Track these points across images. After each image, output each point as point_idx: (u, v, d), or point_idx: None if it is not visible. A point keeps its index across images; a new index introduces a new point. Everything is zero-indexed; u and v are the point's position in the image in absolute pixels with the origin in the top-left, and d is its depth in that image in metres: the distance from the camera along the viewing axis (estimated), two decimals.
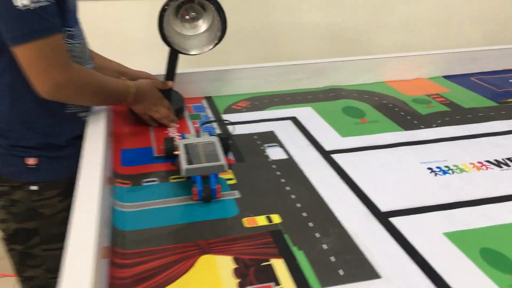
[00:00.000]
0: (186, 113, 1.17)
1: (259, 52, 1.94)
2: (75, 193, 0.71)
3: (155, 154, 0.96)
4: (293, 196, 0.81)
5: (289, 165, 0.91)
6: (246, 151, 0.97)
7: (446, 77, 1.41)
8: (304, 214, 0.76)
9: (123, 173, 0.89)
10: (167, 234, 0.72)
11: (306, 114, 1.16)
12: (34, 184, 0.93)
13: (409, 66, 1.39)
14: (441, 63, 1.42)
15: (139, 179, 0.87)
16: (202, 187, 0.79)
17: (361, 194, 0.81)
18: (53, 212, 0.96)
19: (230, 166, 0.91)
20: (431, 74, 1.41)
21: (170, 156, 0.93)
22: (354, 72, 1.36)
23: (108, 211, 0.76)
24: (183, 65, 1.24)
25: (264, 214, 0.76)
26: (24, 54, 0.79)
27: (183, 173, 0.80)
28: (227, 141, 0.94)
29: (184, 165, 0.80)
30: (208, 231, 0.72)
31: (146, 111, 1.05)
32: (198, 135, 0.93)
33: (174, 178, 0.87)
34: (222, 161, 0.81)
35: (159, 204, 0.79)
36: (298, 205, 0.79)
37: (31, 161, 0.92)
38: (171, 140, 0.93)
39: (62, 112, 0.94)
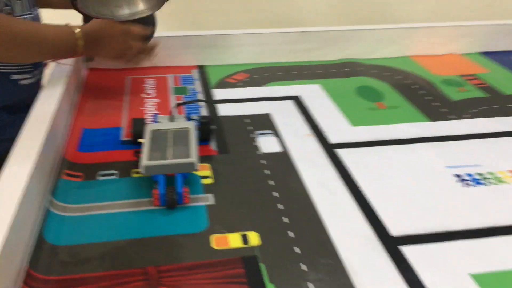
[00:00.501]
0: (171, 85, 0.99)
1: (263, 15, 1.69)
2: None
3: (122, 138, 0.80)
4: (280, 207, 0.64)
5: (282, 161, 0.74)
6: (232, 139, 0.80)
7: (485, 53, 1.20)
8: (291, 234, 0.59)
9: (77, 161, 0.72)
10: (108, 253, 0.55)
11: (313, 93, 0.97)
12: None
13: (440, 38, 1.18)
14: (480, 36, 1.20)
15: (94, 170, 0.70)
16: (165, 190, 0.62)
17: (366, 208, 0.64)
18: None
19: (210, 159, 0.74)
20: (466, 49, 1.20)
21: (137, 142, 0.76)
22: (374, 43, 1.15)
23: (37, 215, 0.59)
24: (174, 27, 1.06)
25: (239, 231, 0.59)
26: None
27: (142, 171, 0.63)
28: (209, 127, 0.77)
29: (144, 160, 0.63)
30: (163, 252, 0.56)
31: (113, 55, 0.86)
32: (172, 118, 0.75)
33: (138, 173, 0.70)
34: (193, 157, 0.64)
35: (110, 208, 0.63)
36: (285, 219, 0.61)
37: None
38: (141, 122, 0.76)
39: None
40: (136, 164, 0.71)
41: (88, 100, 0.92)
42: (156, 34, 1.06)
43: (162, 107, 0.90)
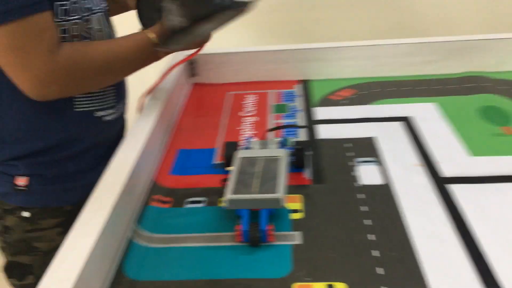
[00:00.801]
0: (271, 102, 0.95)
1: (375, 23, 1.57)
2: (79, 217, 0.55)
3: (215, 161, 0.77)
4: (375, 253, 0.56)
5: (383, 197, 0.65)
6: (330, 166, 0.73)
7: None
8: None
9: (167, 185, 0.71)
10: None
11: (427, 113, 0.86)
12: (25, 210, 0.74)
13: None
14: None
15: (183, 196, 0.68)
16: (249, 227, 0.58)
17: (482, 265, 0.53)
18: (50, 248, 0.75)
19: (302, 189, 0.68)
20: None
21: (228, 166, 0.73)
22: (506, 54, 1.00)
23: (119, 245, 0.58)
24: (275, 40, 1.02)
25: (325, 280, 0.53)
26: None
27: (225, 205, 0.59)
28: (303, 153, 0.71)
29: (228, 193, 0.59)
30: None
31: (191, 48, 0.82)
32: (264, 143, 0.71)
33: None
34: (279, 193, 0.58)
35: (194, 242, 0.60)
36: (380, 271, 0.53)
37: (20, 180, 0.74)
38: (233, 146, 0.73)
39: (66, 113, 0.73)
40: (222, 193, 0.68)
41: (188, 118, 0.91)
42: (259, 48, 1.03)
43: (260, 126, 0.86)
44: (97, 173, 0.62)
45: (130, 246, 0.59)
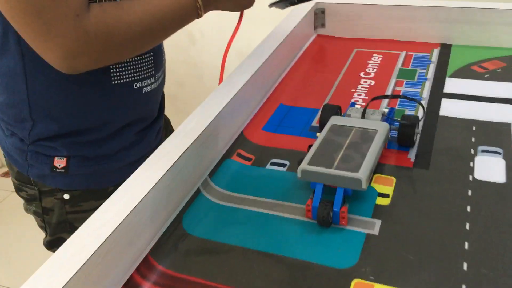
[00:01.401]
0: (399, 65, 0.84)
1: None
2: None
3: (314, 123, 0.70)
4: (465, 267, 0.45)
5: (499, 199, 0.53)
6: (442, 150, 0.61)
7: None
8: None
9: (255, 141, 0.67)
10: (235, 264, 0.48)
11: None
12: (65, 192, 0.69)
13: None
14: None
15: (267, 156, 0.64)
16: (320, 204, 0.51)
17: None
18: None
19: (399, 171, 0.58)
20: None
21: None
22: None
23: (183, 194, 0.56)
24: None
25: (390, 285, 0.44)
26: (4, 8, 0.52)
27: (298, 174, 0.53)
28: (411, 130, 0.60)
29: (304, 162, 0.53)
30: (290, 281, 0.46)
31: (237, 10, 0.70)
32: (365, 112, 0.62)
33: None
34: (362, 173, 0.50)
35: (262, 207, 0.55)
36: (463, 286, 0.43)
37: (59, 162, 0.67)
38: (332, 110, 0.65)
39: (104, 86, 0.65)
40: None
41: (302, 70, 0.85)
42: (395, 2, 0.91)
43: (376, 91, 0.76)
44: (140, 150, 0.59)
45: (196, 198, 0.57)
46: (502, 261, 0.45)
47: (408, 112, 0.70)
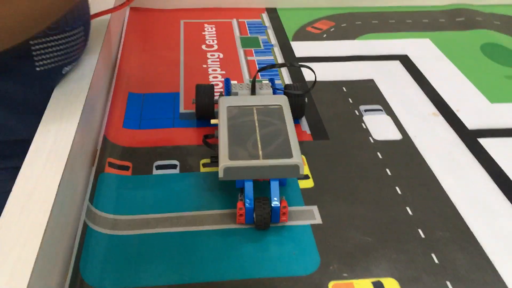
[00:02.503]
0: (237, 34, 0.77)
1: None
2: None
3: (182, 109, 0.59)
4: (420, 234, 0.43)
5: (407, 156, 0.52)
6: (329, 117, 0.58)
7: None
8: (450, 284, 0.39)
9: (123, 143, 0.53)
10: None
11: (423, 51, 0.74)
12: None
13: None
14: None
15: (147, 159, 0.51)
16: (256, 203, 0.42)
17: None
18: None
19: (303, 148, 0.53)
20: None
21: (202, 117, 0.56)
22: None
23: (72, 238, 0.41)
24: None
25: (368, 277, 0.39)
26: None
27: (221, 175, 0.42)
28: (301, 100, 0.56)
29: (223, 158, 0.43)
30: None
31: None
32: (252, 87, 0.54)
33: (209, 164, 0.50)
34: (296, 156, 0.43)
35: (174, 225, 0.43)
36: (434, 258, 0.41)
37: None
38: (208, 90, 0.55)
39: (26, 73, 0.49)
40: (205, 152, 0.51)
41: (133, 53, 0.71)
42: None
43: (228, 65, 0.68)
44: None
45: (87, 236, 0.41)
46: (445, 216, 0.44)
47: (277, 82, 0.65)
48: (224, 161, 0.42)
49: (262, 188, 0.44)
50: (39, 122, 0.45)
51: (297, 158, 0.42)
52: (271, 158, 0.43)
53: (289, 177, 0.43)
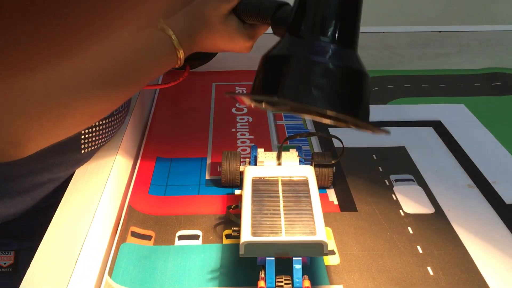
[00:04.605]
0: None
1: (381, 6, 1.40)
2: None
3: (208, 176, 0.59)
4: None
5: (439, 231, 0.50)
6: (358, 186, 0.57)
7: None
8: None
9: (146, 211, 0.52)
10: None
11: (458, 116, 0.72)
12: None
13: None
14: None
15: (171, 228, 0.50)
16: (276, 283, 0.40)
17: None
18: None
19: (330, 219, 0.51)
20: None
21: (228, 185, 0.55)
22: None
23: None
24: None
25: None
26: None
27: (241, 251, 0.41)
28: (329, 172, 0.54)
29: (244, 233, 0.41)
30: None
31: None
32: (278, 156, 0.53)
33: (233, 236, 0.49)
34: (321, 234, 0.41)
35: None
36: None
37: (3, 259, 0.52)
38: (234, 157, 0.55)
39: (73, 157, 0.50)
40: (229, 223, 0.50)
41: (164, 116, 0.72)
42: None
43: (257, 129, 0.68)
44: None
45: None
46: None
47: (304, 148, 0.64)
48: (246, 237, 0.41)
49: (285, 265, 0.42)
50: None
51: (321, 236, 0.41)
52: (293, 235, 0.41)
53: (312, 255, 0.41)
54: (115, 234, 0.48)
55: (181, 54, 0.46)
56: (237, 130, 0.68)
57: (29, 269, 0.36)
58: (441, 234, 0.49)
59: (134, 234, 0.49)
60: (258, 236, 0.41)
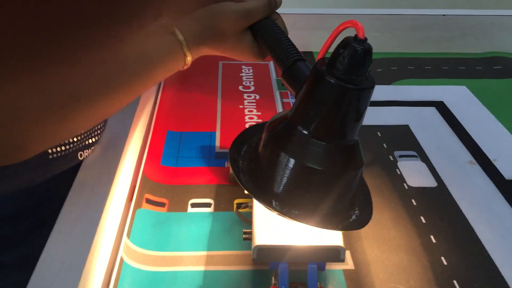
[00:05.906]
0: (273, 75, 0.79)
1: None
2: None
3: (218, 149, 0.60)
4: (455, 284, 0.42)
5: (441, 203, 0.52)
6: (366, 159, 0.59)
7: None
8: None
9: (159, 180, 0.54)
10: None
11: (460, 97, 0.74)
12: None
13: None
14: None
15: (183, 196, 0.52)
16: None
17: None
18: None
19: None
20: None
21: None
22: None
23: (110, 271, 0.42)
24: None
25: None
26: None
27: (254, 255, 0.41)
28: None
29: (258, 237, 0.40)
30: None
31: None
32: None
33: (244, 206, 0.50)
34: (337, 238, 0.40)
35: (204, 263, 0.44)
36: None
37: None
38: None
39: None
40: (239, 192, 0.52)
41: (172, 92, 0.73)
42: None
43: (264, 106, 0.70)
44: None
45: (123, 270, 0.42)
46: (484, 270, 0.43)
47: None
48: (259, 240, 0.40)
49: (297, 270, 0.42)
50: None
51: (338, 241, 0.40)
52: (310, 239, 0.40)
53: (328, 261, 0.41)
54: (131, 201, 0.50)
55: (189, 60, 0.45)
56: (245, 106, 0.70)
57: (54, 227, 0.38)
58: (443, 206, 0.51)
59: (148, 201, 0.50)
60: (272, 240, 0.40)
